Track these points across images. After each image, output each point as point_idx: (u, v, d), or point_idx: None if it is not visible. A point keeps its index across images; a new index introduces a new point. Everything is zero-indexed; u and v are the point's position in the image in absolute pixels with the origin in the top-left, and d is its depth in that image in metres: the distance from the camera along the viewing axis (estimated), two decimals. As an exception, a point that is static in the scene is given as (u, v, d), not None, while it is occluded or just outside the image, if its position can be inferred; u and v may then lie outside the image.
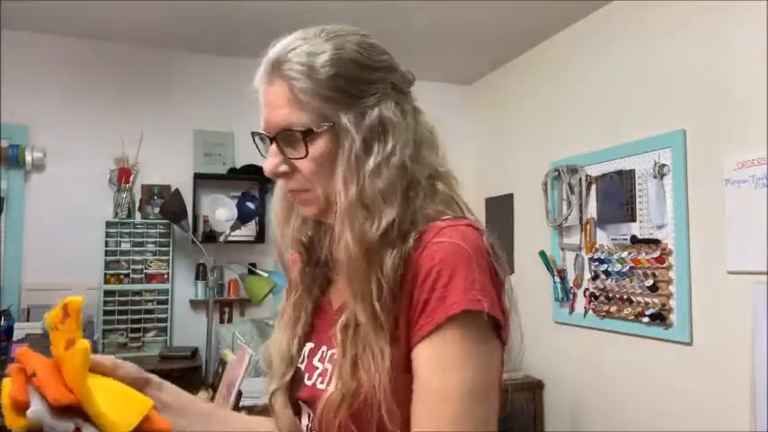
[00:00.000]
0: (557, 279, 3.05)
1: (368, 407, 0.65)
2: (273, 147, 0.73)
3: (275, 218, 0.84)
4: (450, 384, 0.63)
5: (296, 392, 0.78)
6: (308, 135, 0.71)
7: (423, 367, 0.65)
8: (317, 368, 0.76)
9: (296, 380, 0.78)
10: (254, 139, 0.80)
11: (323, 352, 0.76)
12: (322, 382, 0.73)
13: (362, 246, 0.68)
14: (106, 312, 3.08)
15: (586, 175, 2.88)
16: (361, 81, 0.72)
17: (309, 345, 0.80)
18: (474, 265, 0.65)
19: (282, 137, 0.72)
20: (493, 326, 0.66)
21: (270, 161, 0.74)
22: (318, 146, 0.72)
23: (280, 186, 0.83)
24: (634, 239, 2.55)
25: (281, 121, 0.72)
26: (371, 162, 0.70)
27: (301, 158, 0.72)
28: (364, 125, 0.71)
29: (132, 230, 3.19)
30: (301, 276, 0.83)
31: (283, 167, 0.74)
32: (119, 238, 3.16)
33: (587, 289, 2.87)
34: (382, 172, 0.70)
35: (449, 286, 0.64)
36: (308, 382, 0.76)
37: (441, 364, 0.64)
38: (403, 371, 0.66)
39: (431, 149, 0.76)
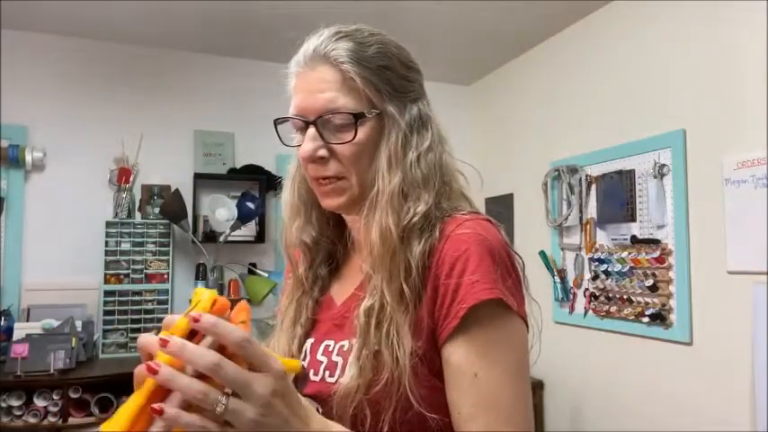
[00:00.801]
0: (557, 279, 3.05)
1: (387, 392, 0.66)
2: (312, 131, 0.73)
3: (287, 212, 0.85)
4: (497, 374, 0.66)
5: (300, 390, 0.78)
6: (359, 119, 0.73)
7: (465, 361, 0.66)
8: (321, 362, 0.76)
9: (299, 378, 0.79)
10: (275, 127, 0.79)
11: (328, 346, 0.77)
12: (331, 376, 0.74)
13: (398, 230, 0.71)
14: (106, 312, 3.08)
15: (586, 175, 2.88)
16: (401, 77, 0.77)
17: (310, 341, 0.80)
18: (497, 257, 0.69)
19: (323, 121, 0.73)
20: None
21: (309, 145, 0.73)
22: (365, 131, 0.74)
23: (294, 180, 0.84)
24: (634, 239, 2.55)
25: (325, 104, 0.72)
26: (413, 152, 0.74)
27: (346, 143, 0.73)
28: (407, 117, 0.76)
29: (132, 230, 3.19)
30: (305, 276, 0.84)
31: (322, 152, 0.74)
32: (119, 238, 3.16)
33: (587, 289, 2.87)
34: (421, 163, 0.75)
35: (476, 273, 0.67)
36: (315, 378, 0.76)
37: (485, 355, 0.66)
38: (420, 359, 0.68)
39: (446, 149, 0.80)
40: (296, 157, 0.84)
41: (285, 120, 0.78)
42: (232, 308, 0.58)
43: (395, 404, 0.66)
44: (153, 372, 0.48)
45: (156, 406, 0.49)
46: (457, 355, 0.67)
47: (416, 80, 0.79)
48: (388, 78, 0.75)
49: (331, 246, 0.86)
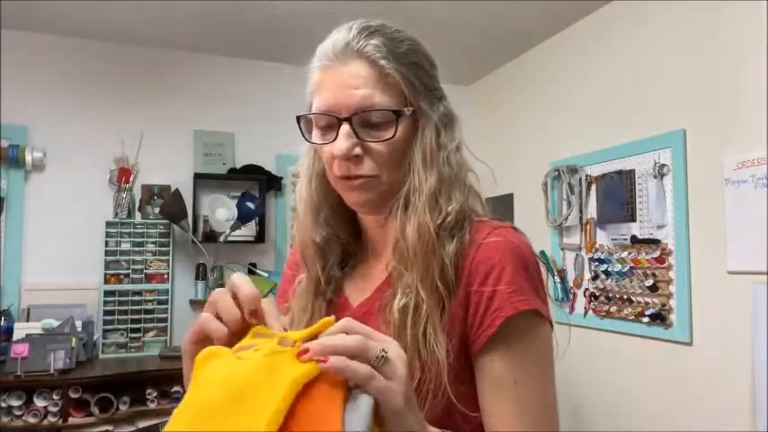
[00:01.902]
0: (557, 279, 3.05)
1: (421, 391, 0.65)
2: (347, 128, 0.70)
3: (302, 209, 0.82)
4: (535, 381, 0.69)
5: None
6: (400, 116, 0.71)
7: (504, 369, 0.67)
8: None
9: None
10: (298, 123, 0.77)
11: None
12: None
13: (434, 228, 0.70)
14: (106, 312, 3.07)
15: (586, 175, 2.87)
16: (429, 75, 0.77)
17: None
18: (531, 267, 0.70)
19: (359, 118, 0.71)
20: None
21: (345, 142, 0.70)
22: (402, 129, 0.72)
23: (310, 179, 0.81)
24: (634, 239, 2.55)
25: (361, 101, 0.70)
26: (444, 151, 0.74)
27: (384, 141, 0.71)
28: (437, 115, 0.75)
29: (132, 230, 3.19)
30: (318, 277, 0.81)
31: (357, 150, 0.71)
32: (119, 238, 3.16)
33: (587, 289, 2.87)
34: (452, 161, 0.75)
35: (513, 283, 0.67)
36: None
37: (522, 363, 0.68)
38: (454, 359, 0.67)
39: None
40: (310, 154, 0.82)
41: (305, 116, 0.75)
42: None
43: (429, 403, 0.65)
44: (323, 361, 0.49)
45: (321, 356, 0.49)
46: (495, 363, 0.67)
47: (437, 79, 0.79)
48: (419, 75, 0.75)
49: (344, 247, 0.84)
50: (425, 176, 0.72)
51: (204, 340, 0.57)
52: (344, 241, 0.83)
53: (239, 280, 0.59)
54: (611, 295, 2.69)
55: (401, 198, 0.73)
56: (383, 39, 0.73)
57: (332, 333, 0.53)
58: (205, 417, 0.46)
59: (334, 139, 0.71)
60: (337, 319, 0.78)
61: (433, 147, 0.73)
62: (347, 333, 0.52)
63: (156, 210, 3.25)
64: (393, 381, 0.51)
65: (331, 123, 0.72)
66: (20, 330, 2.71)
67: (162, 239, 3.24)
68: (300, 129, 0.77)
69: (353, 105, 0.70)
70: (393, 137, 0.71)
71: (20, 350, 2.55)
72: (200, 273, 3.33)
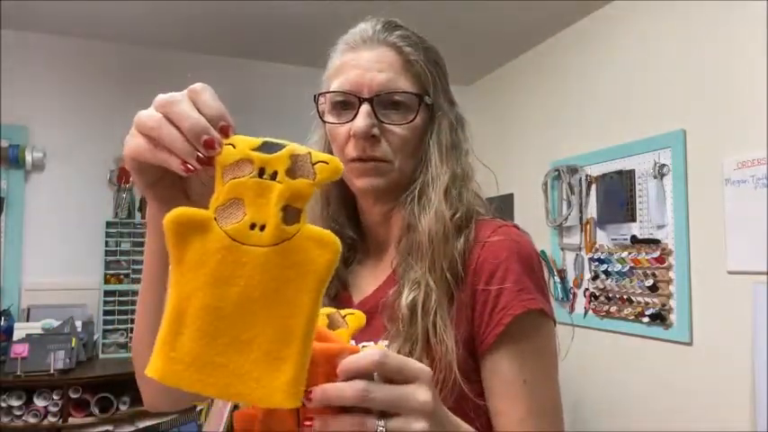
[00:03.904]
0: (557, 279, 3.05)
1: (434, 381, 0.64)
2: (367, 107, 0.71)
3: (313, 198, 0.82)
4: (543, 380, 0.68)
5: None
6: (422, 101, 0.73)
7: (512, 368, 0.67)
8: None
9: None
10: (315, 101, 0.77)
11: None
12: None
13: (448, 221, 0.71)
14: (106, 312, 3.07)
15: (586, 175, 2.87)
16: (446, 77, 0.79)
17: None
18: (535, 265, 0.70)
19: (380, 100, 0.71)
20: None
21: (366, 121, 0.70)
22: (421, 116, 0.74)
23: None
24: (634, 239, 2.55)
25: (385, 83, 0.71)
26: (459, 150, 0.77)
27: (405, 123, 0.72)
28: (452, 115, 0.78)
29: (132, 230, 3.19)
30: None
31: (375, 130, 0.72)
32: (119, 238, 3.16)
33: (587, 289, 2.86)
34: (463, 160, 0.77)
35: (519, 282, 0.67)
36: None
37: (530, 362, 0.67)
38: (461, 353, 0.67)
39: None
40: (318, 138, 0.81)
41: (323, 94, 0.76)
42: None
43: (440, 395, 0.64)
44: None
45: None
46: (504, 361, 0.67)
47: (449, 84, 0.81)
48: (439, 73, 0.77)
49: (349, 243, 0.83)
50: (442, 169, 0.73)
51: (144, 171, 0.47)
52: (349, 238, 0.83)
53: (201, 86, 0.47)
54: (611, 295, 2.69)
55: (416, 189, 0.74)
56: (408, 32, 0.76)
57: (360, 365, 0.45)
58: (222, 323, 0.40)
59: (353, 119, 0.72)
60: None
61: (448, 143, 0.75)
62: (379, 364, 0.45)
63: (156, 210, 3.24)
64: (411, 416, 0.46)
65: (350, 104, 0.73)
66: (20, 330, 2.71)
67: (162, 239, 3.23)
68: (317, 107, 0.77)
69: (376, 87, 0.71)
70: (412, 121, 0.72)
71: (20, 350, 2.56)
72: (200, 273, 3.32)
